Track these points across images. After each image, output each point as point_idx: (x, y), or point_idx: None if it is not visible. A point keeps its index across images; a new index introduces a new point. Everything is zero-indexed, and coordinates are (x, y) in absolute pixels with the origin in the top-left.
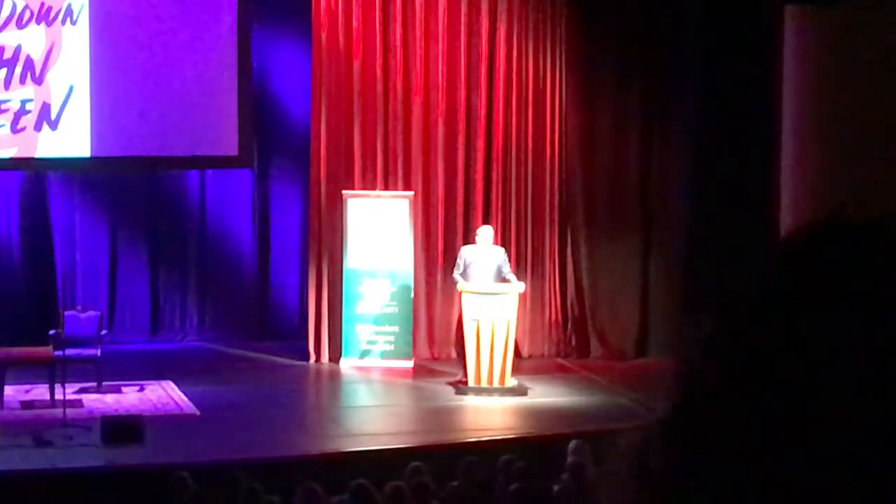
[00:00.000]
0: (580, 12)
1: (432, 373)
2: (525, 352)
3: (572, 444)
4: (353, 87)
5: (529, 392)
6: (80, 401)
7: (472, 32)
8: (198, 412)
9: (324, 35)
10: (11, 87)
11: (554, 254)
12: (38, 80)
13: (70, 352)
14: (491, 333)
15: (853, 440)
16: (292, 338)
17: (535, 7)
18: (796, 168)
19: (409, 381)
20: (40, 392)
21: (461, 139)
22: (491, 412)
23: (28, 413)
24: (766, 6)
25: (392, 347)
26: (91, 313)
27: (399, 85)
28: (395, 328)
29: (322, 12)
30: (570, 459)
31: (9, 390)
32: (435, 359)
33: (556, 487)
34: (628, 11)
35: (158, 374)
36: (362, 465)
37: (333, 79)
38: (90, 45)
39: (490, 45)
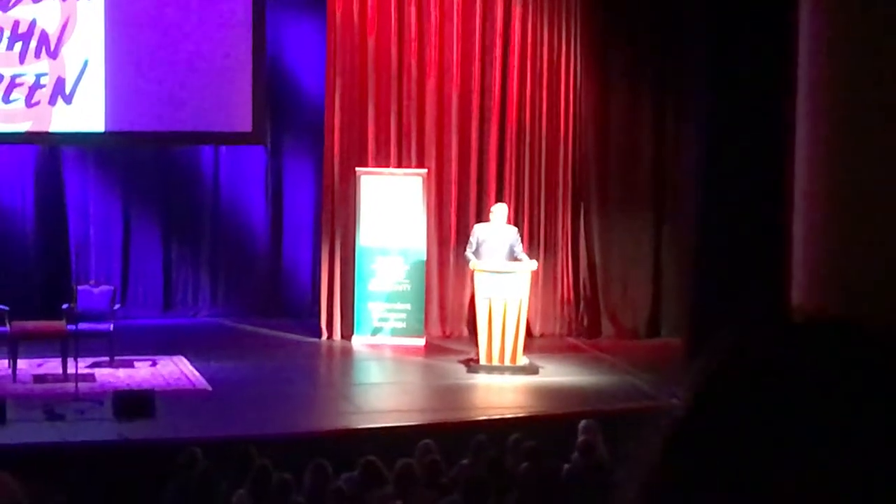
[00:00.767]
0: None
1: (444, 351)
2: (537, 331)
3: (583, 423)
4: (368, 65)
5: (541, 371)
6: (92, 375)
7: (487, 11)
8: (209, 388)
9: (338, 12)
10: (26, 60)
11: (567, 233)
12: (53, 55)
13: (83, 326)
14: (503, 312)
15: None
16: (304, 314)
17: None
18: (811, 147)
19: (421, 358)
20: (53, 366)
21: (475, 117)
22: (502, 391)
23: (40, 387)
24: None
25: (404, 325)
26: (104, 288)
27: (413, 63)
28: (408, 306)
29: None
30: (580, 438)
31: (22, 364)
32: (447, 337)
33: (566, 466)
34: None
35: (170, 350)
36: (373, 442)
37: (348, 56)
38: (105, 20)
39: (505, 23)
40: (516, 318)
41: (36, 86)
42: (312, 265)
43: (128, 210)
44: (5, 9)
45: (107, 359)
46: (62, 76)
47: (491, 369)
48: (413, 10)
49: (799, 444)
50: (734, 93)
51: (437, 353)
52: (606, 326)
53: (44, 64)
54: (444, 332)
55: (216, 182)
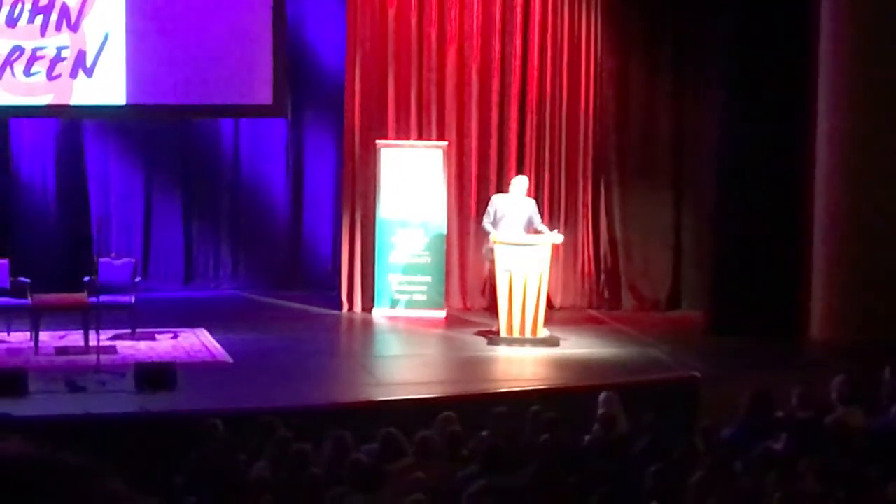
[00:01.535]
0: None
1: (464, 323)
2: (557, 303)
3: (603, 395)
4: (388, 37)
5: (561, 343)
6: (113, 347)
7: None
8: (230, 360)
9: None
10: (47, 34)
11: (587, 205)
12: (74, 28)
13: (104, 299)
14: (523, 284)
15: None
16: (325, 287)
17: None
18: (831, 119)
19: (441, 331)
20: (74, 338)
21: (495, 90)
22: (522, 363)
23: (62, 359)
24: None
25: (424, 297)
26: (125, 260)
27: (434, 34)
28: (428, 278)
29: None
30: (600, 411)
31: (43, 336)
32: (467, 309)
33: (586, 439)
34: None
35: (191, 322)
36: (392, 414)
37: (368, 28)
38: None
39: None
40: (537, 290)
41: (57, 59)
42: (333, 237)
43: (149, 183)
44: None
45: (128, 331)
46: (83, 49)
47: (511, 342)
48: None
49: None
50: (755, 64)
51: (458, 326)
52: (627, 299)
53: (65, 37)
54: (464, 305)
55: (237, 155)
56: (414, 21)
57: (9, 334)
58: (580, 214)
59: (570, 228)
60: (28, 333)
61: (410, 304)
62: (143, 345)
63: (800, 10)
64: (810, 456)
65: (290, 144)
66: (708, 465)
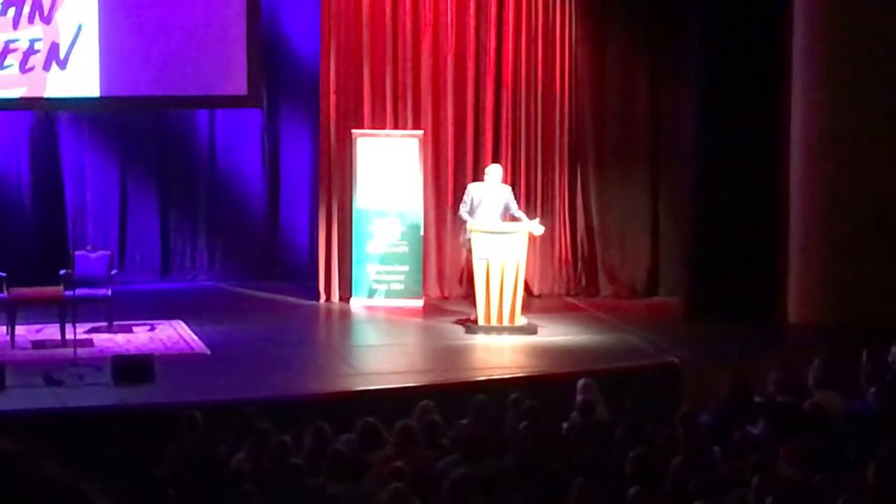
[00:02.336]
0: None
1: (442, 312)
2: (535, 290)
3: (582, 382)
4: (362, 26)
5: (539, 331)
6: (90, 340)
7: None
8: (208, 351)
9: None
10: (20, 26)
11: (564, 192)
12: (47, 20)
13: (81, 292)
14: (501, 272)
15: None
16: (302, 277)
17: None
18: (805, 102)
19: (419, 319)
20: (51, 332)
21: (470, 78)
22: (501, 351)
23: (39, 353)
24: None
25: (402, 286)
26: (101, 253)
27: (408, 23)
28: (405, 267)
29: None
30: (579, 397)
31: (20, 330)
32: (445, 298)
33: (565, 425)
34: None
35: (169, 314)
36: (371, 403)
37: (342, 17)
38: None
39: None
40: (514, 278)
41: (30, 51)
42: (310, 228)
43: (124, 175)
44: None
45: (105, 324)
46: (56, 41)
47: (489, 329)
48: None
49: None
50: (730, 49)
51: (436, 314)
52: (605, 285)
53: (37, 29)
54: (442, 293)
55: (212, 146)
56: (388, 10)
57: None
58: (557, 202)
59: (546, 216)
60: (4, 328)
61: (388, 294)
62: (120, 337)
63: None
64: (789, 440)
65: (265, 135)
66: (687, 451)
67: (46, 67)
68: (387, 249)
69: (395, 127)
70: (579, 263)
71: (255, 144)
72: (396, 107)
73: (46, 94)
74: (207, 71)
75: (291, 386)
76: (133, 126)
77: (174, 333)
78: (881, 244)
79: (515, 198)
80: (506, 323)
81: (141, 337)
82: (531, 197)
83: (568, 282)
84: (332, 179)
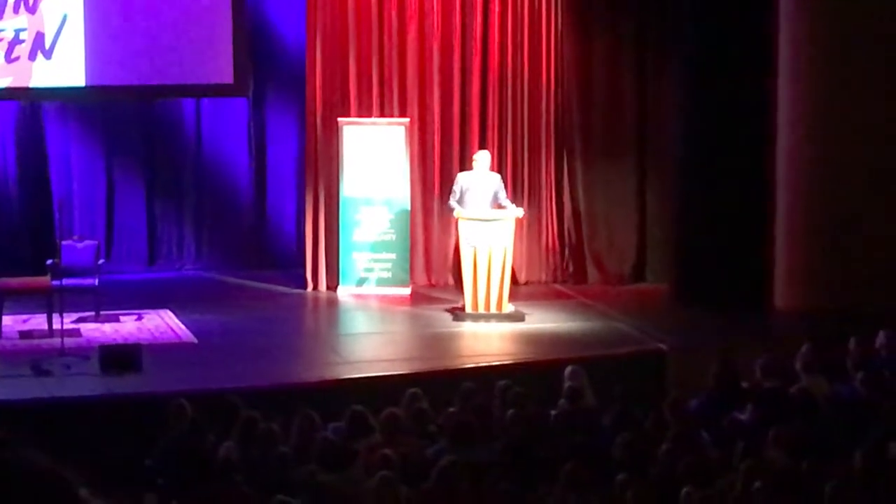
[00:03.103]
0: None
1: (430, 299)
2: (522, 278)
3: (569, 369)
4: (348, 14)
5: (527, 318)
6: (78, 330)
7: None
8: (196, 340)
9: None
10: (5, 16)
11: (550, 180)
12: (32, 10)
13: (68, 281)
14: (488, 260)
15: None
16: (289, 266)
17: None
18: (792, 91)
19: (407, 307)
20: (38, 322)
21: (456, 66)
22: (488, 338)
23: (26, 343)
24: None
25: (389, 275)
26: (88, 243)
27: (394, 12)
28: (393, 255)
29: None
30: (567, 384)
31: (7, 320)
32: (432, 285)
33: (553, 412)
34: None
35: (156, 303)
36: (359, 391)
37: (328, 5)
38: None
39: None
40: (501, 265)
41: (15, 41)
42: (297, 216)
43: (110, 164)
44: None
45: (92, 313)
46: (41, 31)
47: (477, 317)
48: None
49: None
50: (717, 34)
51: (423, 302)
52: (592, 273)
53: (22, 19)
54: (429, 281)
55: (199, 135)
56: None
57: None
58: (543, 189)
59: (533, 203)
60: None
61: (375, 282)
62: (107, 327)
63: None
64: (777, 426)
65: (251, 124)
66: (675, 437)
67: (32, 57)
68: (374, 237)
69: (382, 115)
70: (566, 250)
71: (241, 133)
72: (383, 95)
73: (32, 84)
74: (193, 60)
75: (279, 374)
76: (119, 115)
77: (161, 323)
78: (868, 231)
79: (503, 185)
80: (493, 310)
81: (128, 326)
82: (518, 185)
83: (555, 269)
84: (318, 168)
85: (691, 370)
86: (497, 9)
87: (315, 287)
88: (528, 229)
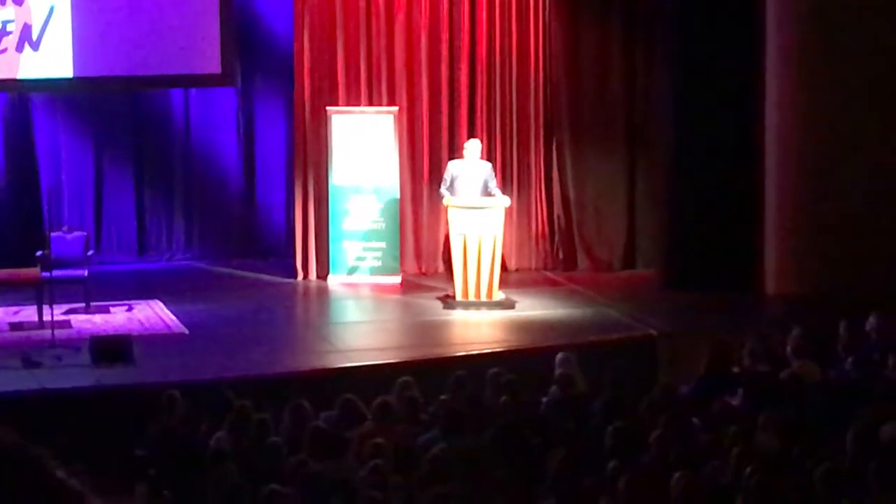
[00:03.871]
0: None
1: (420, 288)
2: (512, 265)
3: (560, 356)
4: (336, 2)
5: (517, 305)
6: (68, 321)
7: None
8: (186, 331)
9: None
10: None
11: (540, 167)
12: (19, 1)
13: (57, 273)
14: (478, 248)
15: None
16: (279, 255)
17: None
18: (781, 77)
19: (397, 296)
20: (28, 313)
21: (444, 54)
22: (479, 326)
23: (16, 334)
24: None
25: (379, 263)
26: (77, 234)
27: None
28: (383, 244)
29: None
30: (558, 371)
31: None
32: (422, 274)
33: (544, 399)
34: None
35: (146, 294)
36: (351, 380)
37: None
38: None
39: None
40: (491, 253)
41: (2, 33)
42: (286, 205)
43: (99, 155)
44: None
45: (82, 305)
46: (28, 22)
47: (467, 305)
48: None
49: None
50: (707, 23)
51: (414, 291)
52: (582, 259)
53: (9, 10)
54: (419, 270)
55: (187, 125)
56: None
57: None
58: (533, 177)
59: (523, 190)
60: None
61: (366, 271)
62: (97, 318)
63: None
64: (767, 410)
65: (240, 113)
66: (666, 422)
67: (19, 49)
68: (364, 226)
69: (370, 103)
70: (556, 237)
71: (230, 123)
72: (371, 83)
73: (19, 76)
74: (181, 50)
75: (270, 364)
76: (107, 106)
77: (152, 313)
78: (858, 215)
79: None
80: (483, 298)
81: (119, 317)
82: (507, 172)
83: (545, 256)
84: (307, 157)
85: (682, 356)
86: None
87: (305, 276)
88: (518, 217)
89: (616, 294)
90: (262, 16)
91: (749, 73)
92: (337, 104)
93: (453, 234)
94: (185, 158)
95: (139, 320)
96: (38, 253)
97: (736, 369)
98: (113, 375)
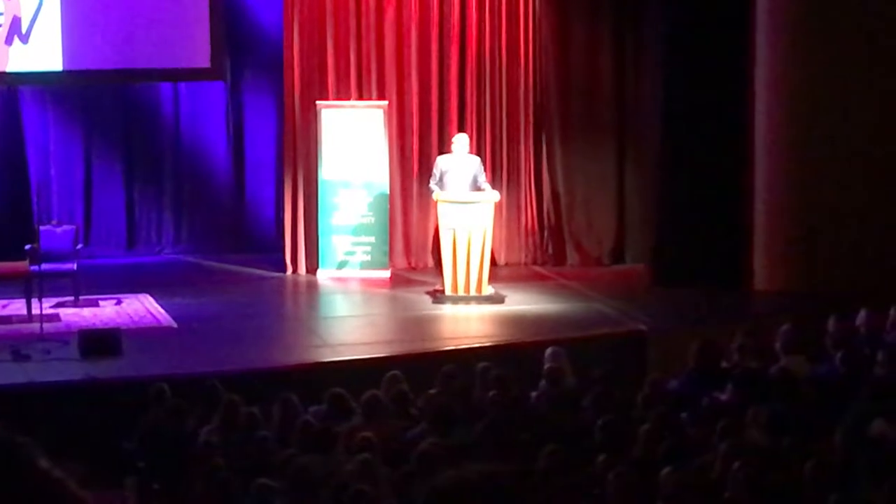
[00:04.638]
0: None
1: (409, 282)
2: (501, 260)
3: (549, 350)
4: None
5: (506, 300)
6: (57, 315)
7: None
8: (175, 325)
9: None
10: None
11: (529, 162)
12: None
13: (46, 266)
14: (467, 242)
15: None
16: (269, 249)
17: None
18: (771, 74)
19: (387, 290)
20: (17, 307)
21: (434, 48)
22: (468, 320)
23: (5, 328)
24: None
25: (369, 258)
26: (66, 227)
27: None
28: (372, 238)
29: None
30: (547, 366)
31: None
32: (412, 268)
33: (533, 394)
34: None
35: (135, 288)
36: (340, 374)
37: None
38: None
39: None
40: (480, 247)
41: None
42: (276, 200)
43: (88, 149)
44: None
45: (71, 298)
46: (17, 15)
47: (456, 299)
48: None
49: None
50: (695, 16)
51: (403, 285)
52: (571, 254)
53: None
54: (409, 264)
55: (177, 118)
56: None
57: None
58: (522, 171)
59: (512, 185)
60: None
61: (356, 266)
62: (86, 312)
63: None
64: (756, 405)
65: (230, 107)
66: (655, 417)
67: (8, 42)
68: (353, 221)
69: (360, 98)
70: (545, 232)
71: (219, 117)
72: (361, 78)
73: (9, 69)
74: (170, 44)
75: (259, 358)
76: (97, 100)
77: (141, 307)
78: (847, 210)
79: (482, 168)
80: (473, 293)
81: (108, 311)
82: (496, 167)
83: (534, 251)
84: (297, 151)
85: (671, 351)
86: None
87: (294, 270)
88: (507, 211)
89: (605, 289)
90: (251, 10)
91: (738, 69)
92: (326, 98)
93: (443, 229)
94: (174, 152)
95: (128, 314)
96: (28, 246)
97: (725, 364)
98: (102, 369)
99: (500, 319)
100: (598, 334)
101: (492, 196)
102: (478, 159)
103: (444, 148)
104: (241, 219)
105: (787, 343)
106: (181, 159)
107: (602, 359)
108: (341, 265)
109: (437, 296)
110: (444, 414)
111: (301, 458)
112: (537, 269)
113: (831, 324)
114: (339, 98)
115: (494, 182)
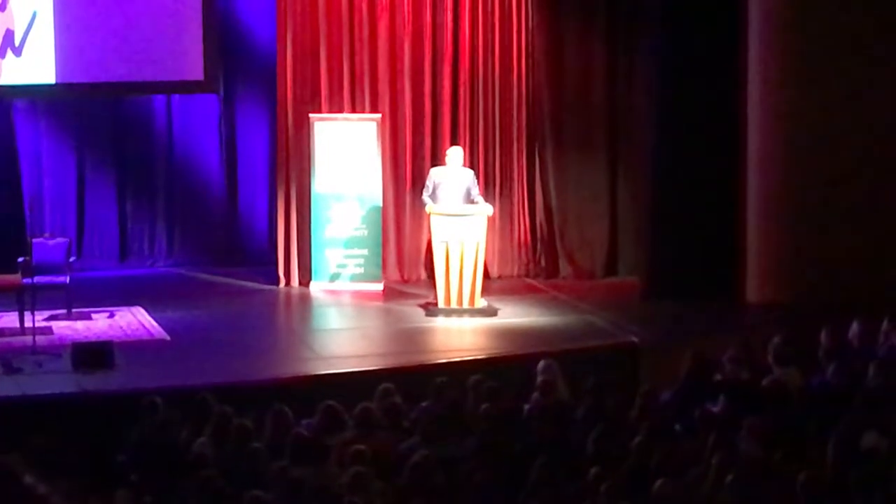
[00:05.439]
0: None
1: (402, 295)
2: (494, 272)
3: (542, 363)
4: (319, 9)
5: (499, 312)
6: (49, 328)
7: None
8: (168, 337)
9: None
10: None
11: (522, 175)
12: (1, 7)
13: (39, 279)
14: (460, 255)
15: None
16: (262, 262)
17: None
18: (763, 86)
19: (379, 303)
20: (10, 320)
21: (427, 61)
22: (461, 333)
23: None
24: None
25: (362, 270)
26: (59, 240)
27: (364, 7)
28: (365, 251)
29: None
30: (540, 378)
31: None
32: (405, 281)
33: (526, 406)
34: None
35: (128, 300)
36: (332, 387)
37: (298, 1)
38: None
39: None
40: (473, 260)
41: None
42: (269, 212)
43: (81, 161)
44: None
45: (64, 311)
46: (10, 28)
47: (449, 312)
48: None
49: None
50: (687, 30)
51: (396, 298)
52: (564, 267)
53: None
54: (402, 277)
55: (170, 131)
56: None
57: None
58: (515, 184)
59: (505, 198)
60: None
61: (348, 278)
62: (79, 324)
63: None
64: (749, 417)
65: (222, 120)
66: (648, 430)
67: (1, 55)
68: (346, 233)
69: (353, 110)
70: (538, 245)
71: (212, 130)
72: (354, 90)
73: (2, 82)
74: (163, 56)
75: (252, 370)
76: (90, 112)
77: (133, 320)
78: (838, 223)
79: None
80: (466, 305)
81: (100, 324)
82: (489, 179)
83: (527, 263)
84: (290, 164)
85: (664, 363)
86: (468, 4)
87: (287, 283)
88: (500, 224)
89: (598, 301)
90: (244, 22)
91: (731, 83)
92: (320, 111)
93: (436, 242)
94: (167, 165)
95: (121, 327)
96: (20, 259)
97: (718, 377)
98: (94, 381)
99: (492, 332)
100: (591, 347)
101: (485, 209)
102: (471, 172)
103: (437, 160)
104: (233, 231)
105: (779, 355)
106: (174, 172)
107: (595, 371)
108: (334, 278)
109: (430, 308)
110: (436, 427)
111: (294, 471)
112: (530, 281)
113: (824, 336)
114: (332, 111)
115: (487, 195)
